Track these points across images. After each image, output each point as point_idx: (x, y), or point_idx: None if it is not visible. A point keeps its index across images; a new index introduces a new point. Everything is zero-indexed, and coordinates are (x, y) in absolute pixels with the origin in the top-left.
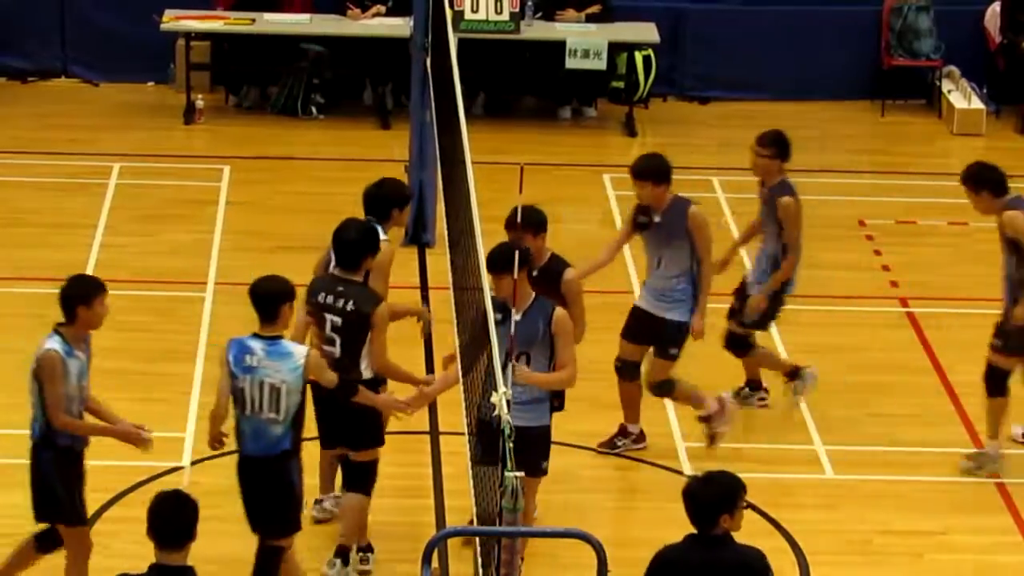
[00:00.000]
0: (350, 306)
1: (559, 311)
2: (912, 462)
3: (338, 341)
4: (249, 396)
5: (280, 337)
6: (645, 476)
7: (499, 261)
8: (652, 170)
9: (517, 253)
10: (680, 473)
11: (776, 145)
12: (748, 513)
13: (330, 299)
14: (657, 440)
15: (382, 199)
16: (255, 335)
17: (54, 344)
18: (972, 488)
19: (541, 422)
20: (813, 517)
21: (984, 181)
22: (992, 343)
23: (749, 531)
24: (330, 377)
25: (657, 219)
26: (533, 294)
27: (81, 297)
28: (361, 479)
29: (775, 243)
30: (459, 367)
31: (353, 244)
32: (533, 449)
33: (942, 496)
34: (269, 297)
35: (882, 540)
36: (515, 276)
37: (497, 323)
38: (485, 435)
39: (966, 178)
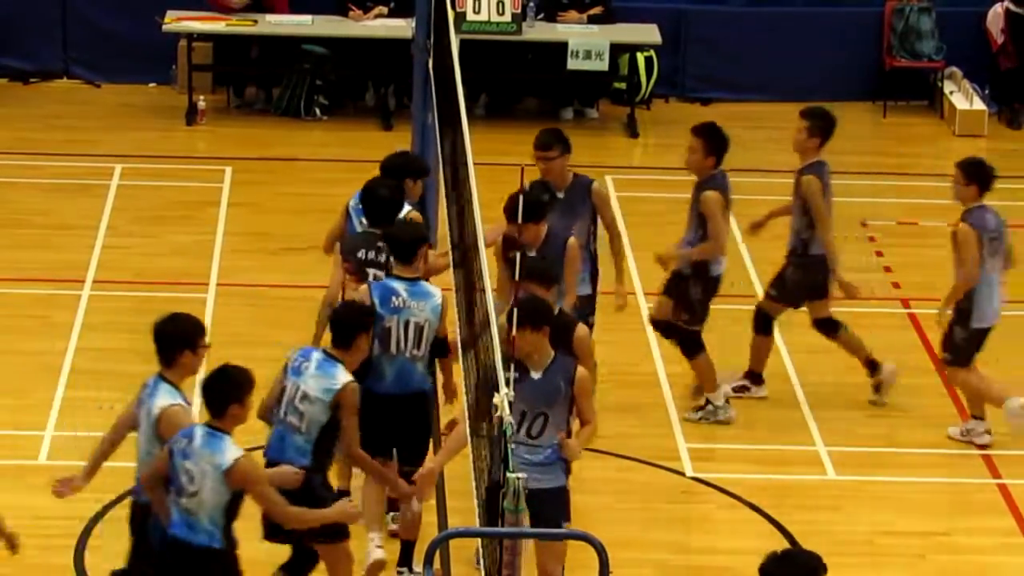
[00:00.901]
0: (393, 259)
1: (581, 371)
2: (914, 463)
3: None
4: (395, 336)
5: (420, 278)
6: (647, 477)
7: (521, 316)
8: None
9: (534, 307)
10: (682, 475)
11: (707, 138)
12: (750, 514)
13: (371, 254)
14: (658, 441)
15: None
16: (397, 276)
17: (169, 398)
18: (975, 489)
19: (559, 482)
20: (815, 518)
21: (979, 176)
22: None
23: (751, 532)
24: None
25: (560, 195)
26: (552, 352)
27: (186, 340)
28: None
29: (694, 233)
30: (466, 428)
31: (385, 201)
32: (553, 509)
33: (944, 497)
34: (410, 242)
35: (884, 541)
36: (536, 332)
37: (514, 381)
38: (494, 502)
39: (965, 166)
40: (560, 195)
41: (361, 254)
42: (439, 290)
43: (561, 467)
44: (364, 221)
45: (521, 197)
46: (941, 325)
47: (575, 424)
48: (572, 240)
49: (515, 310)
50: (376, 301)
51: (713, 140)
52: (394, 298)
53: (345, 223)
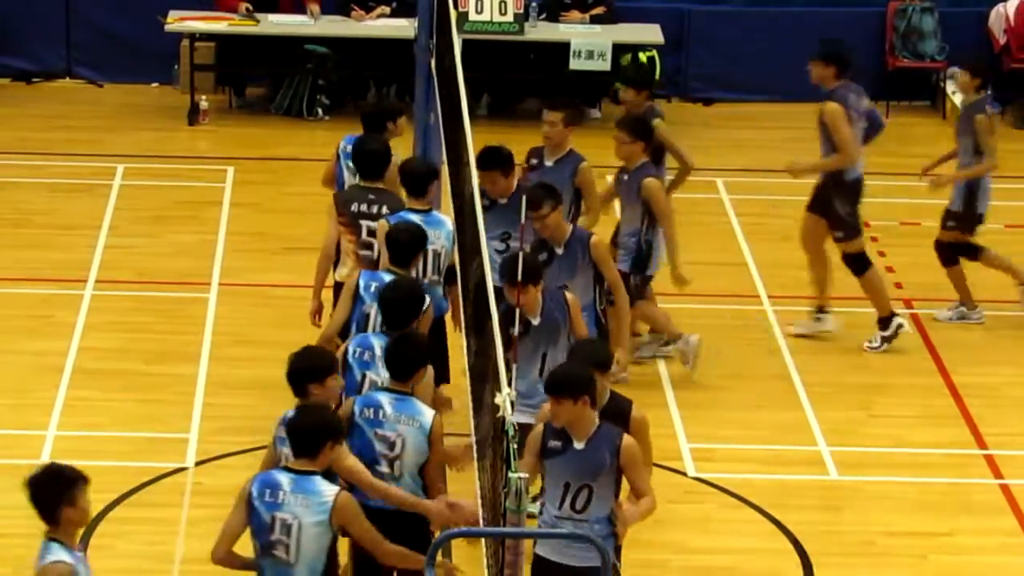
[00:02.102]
0: (384, 210)
1: (627, 440)
2: (916, 463)
3: (375, 244)
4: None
5: (431, 209)
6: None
7: (560, 385)
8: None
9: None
10: (684, 475)
11: (633, 129)
12: (752, 514)
13: (364, 207)
14: (660, 442)
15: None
16: (411, 209)
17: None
18: (977, 489)
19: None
20: (817, 518)
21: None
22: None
23: (753, 532)
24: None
25: (559, 250)
26: (597, 421)
27: (316, 373)
28: None
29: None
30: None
31: (376, 155)
32: None
33: (947, 497)
34: (423, 175)
35: (886, 541)
36: (579, 400)
37: (556, 452)
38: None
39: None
40: (559, 250)
41: (355, 207)
42: (449, 217)
43: (612, 541)
44: (354, 170)
45: (520, 259)
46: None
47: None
48: (570, 296)
49: (550, 378)
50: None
51: (641, 131)
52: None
53: (336, 165)
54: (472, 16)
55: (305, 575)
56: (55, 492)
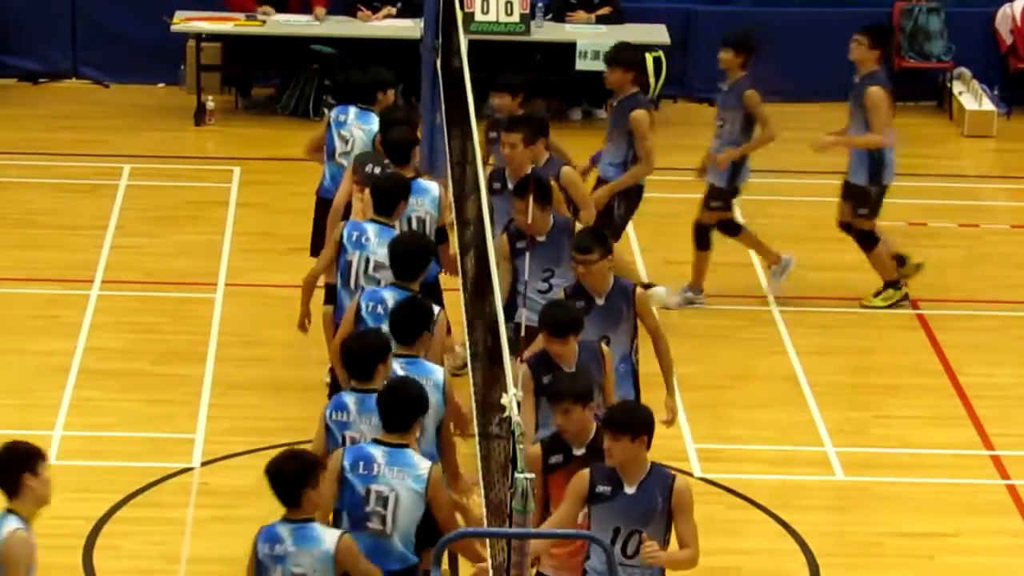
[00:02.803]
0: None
1: (680, 481)
2: (923, 464)
3: None
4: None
5: (416, 176)
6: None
7: (620, 422)
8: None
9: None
10: (690, 475)
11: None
12: (758, 514)
13: (377, 169)
14: (667, 442)
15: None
16: (396, 355)
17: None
18: (984, 490)
19: None
20: (823, 519)
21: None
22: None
23: (759, 533)
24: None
25: (600, 301)
26: (649, 463)
27: (384, 353)
28: None
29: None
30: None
31: (403, 145)
32: None
33: (953, 498)
34: (402, 144)
35: (893, 542)
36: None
37: (605, 497)
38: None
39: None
40: (600, 301)
41: (368, 168)
42: (435, 184)
43: None
44: (345, 139)
45: (554, 312)
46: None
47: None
48: (606, 349)
49: (609, 414)
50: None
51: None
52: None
53: (325, 134)
54: (478, 16)
55: (400, 545)
56: (17, 462)
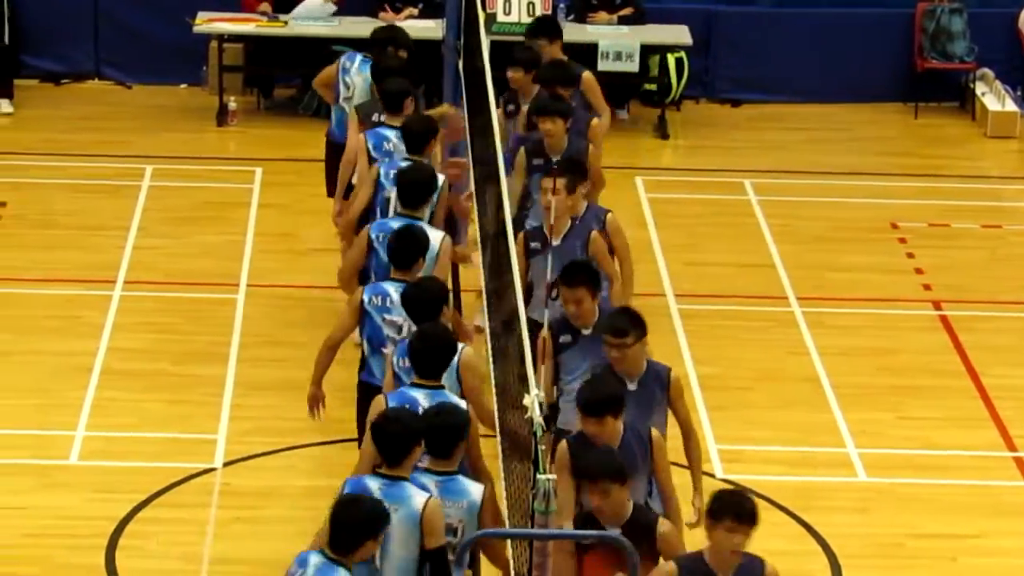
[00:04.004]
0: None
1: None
2: (945, 465)
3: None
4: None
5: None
6: (677, 479)
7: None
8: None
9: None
10: (712, 476)
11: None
12: (780, 516)
13: (383, 117)
14: None
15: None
16: (388, 125)
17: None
18: (1006, 491)
19: None
20: (845, 520)
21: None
22: None
23: (781, 534)
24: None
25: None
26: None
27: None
28: None
29: None
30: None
31: (397, 93)
32: None
33: (976, 499)
34: (398, 91)
35: (915, 543)
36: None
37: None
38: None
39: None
40: (632, 386)
41: (375, 117)
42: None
43: None
44: (348, 85)
45: (593, 388)
46: None
47: None
48: (655, 434)
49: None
50: (369, 147)
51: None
52: (385, 143)
53: (337, 74)
54: (500, 17)
55: None
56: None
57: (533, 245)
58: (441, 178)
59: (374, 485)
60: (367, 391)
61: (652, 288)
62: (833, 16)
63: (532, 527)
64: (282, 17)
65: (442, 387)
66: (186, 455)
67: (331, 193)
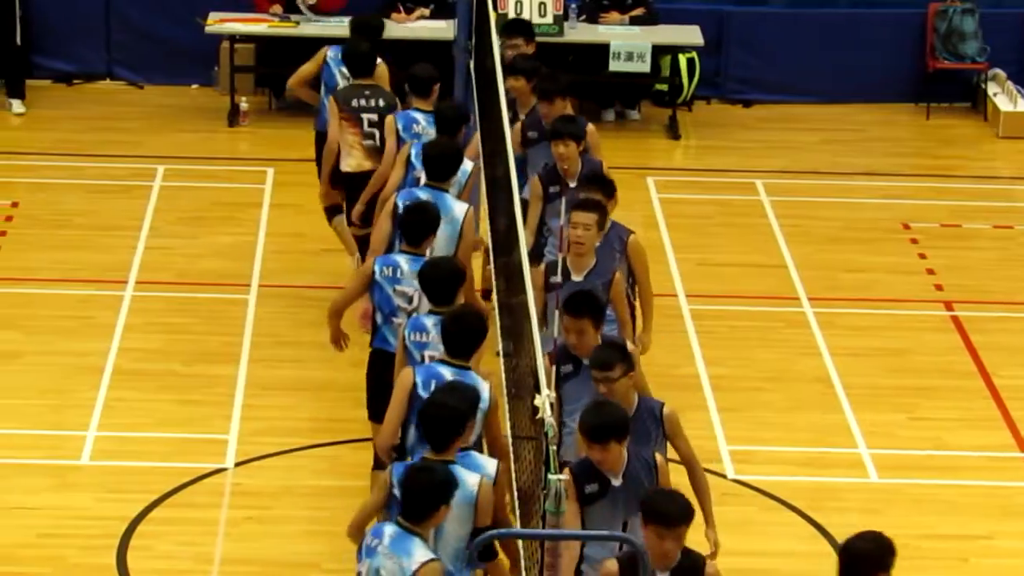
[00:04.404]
0: (380, 102)
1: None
2: (957, 466)
3: (376, 134)
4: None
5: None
6: (688, 480)
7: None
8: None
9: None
10: (723, 477)
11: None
12: (792, 516)
13: (362, 101)
14: (699, 443)
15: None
16: (417, 108)
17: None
18: (1018, 492)
19: None
20: (857, 521)
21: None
22: None
23: (793, 535)
24: None
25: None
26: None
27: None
28: None
29: None
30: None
31: (365, 55)
32: None
33: (988, 500)
34: (427, 79)
35: (927, 544)
36: None
37: None
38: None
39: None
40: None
41: (355, 103)
42: (471, 163)
43: None
44: (346, 74)
45: (595, 413)
46: None
47: None
48: (659, 459)
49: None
50: (399, 128)
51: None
52: (415, 126)
53: (322, 70)
54: (511, 17)
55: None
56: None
57: (552, 280)
58: (469, 163)
59: None
60: (380, 358)
61: (663, 289)
62: (845, 17)
63: (543, 527)
64: (293, 17)
65: (469, 368)
66: (197, 455)
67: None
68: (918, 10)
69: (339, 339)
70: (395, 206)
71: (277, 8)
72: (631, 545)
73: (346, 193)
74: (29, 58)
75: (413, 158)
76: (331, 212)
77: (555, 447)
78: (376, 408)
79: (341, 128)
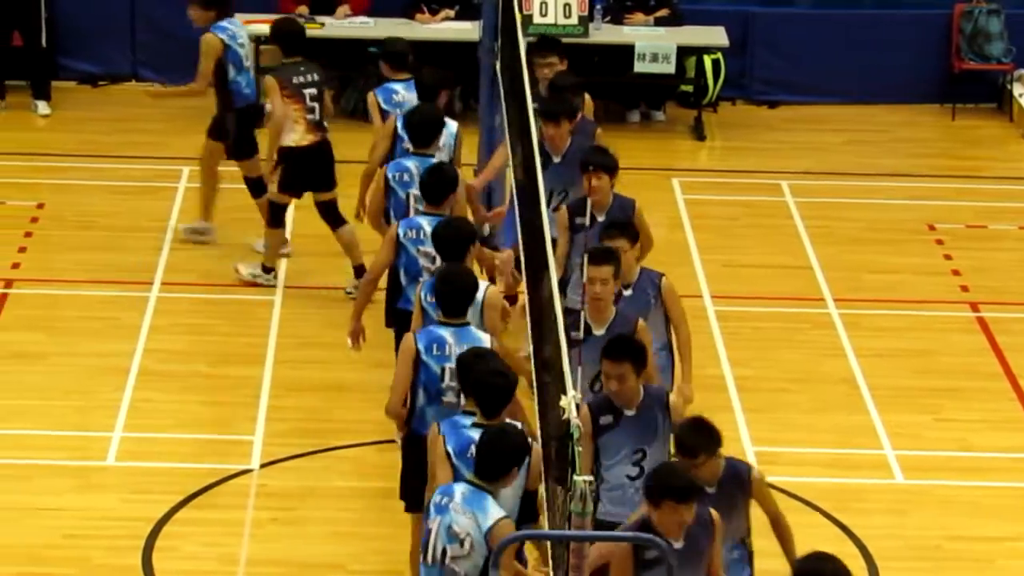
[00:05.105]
0: (316, 76)
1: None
2: (983, 467)
3: (317, 108)
4: None
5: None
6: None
7: None
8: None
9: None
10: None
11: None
12: (817, 517)
13: (302, 78)
14: (726, 444)
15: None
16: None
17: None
18: None
19: None
20: (883, 522)
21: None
22: None
23: (818, 536)
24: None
25: (627, 292)
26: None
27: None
28: None
29: None
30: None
31: (295, 32)
32: None
33: (1014, 502)
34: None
35: (952, 546)
36: None
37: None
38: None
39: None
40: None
41: (295, 80)
42: (454, 123)
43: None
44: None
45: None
46: None
47: None
48: (716, 516)
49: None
50: (380, 101)
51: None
52: (394, 96)
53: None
54: (536, 19)
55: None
56: None
57: (573, 335)
58: (453, 124)
59: (478, 436)
60: (403, 317)
61: (688, 290)
62: (870, 17)
63: (569, 529)
64: (319, 19)
65: (467, 324)
66: (222, 456)
67: (235, 156)
68: (943, 11)
69: (357, 335)
70: (385, 179)
71: (303, 9)
72: (655, 547)
73: (289, 166)
74: (54, 60)
75: (400, 130)
76: (260, 186)
77: (580, 448)
78: None
79: (284, 105)
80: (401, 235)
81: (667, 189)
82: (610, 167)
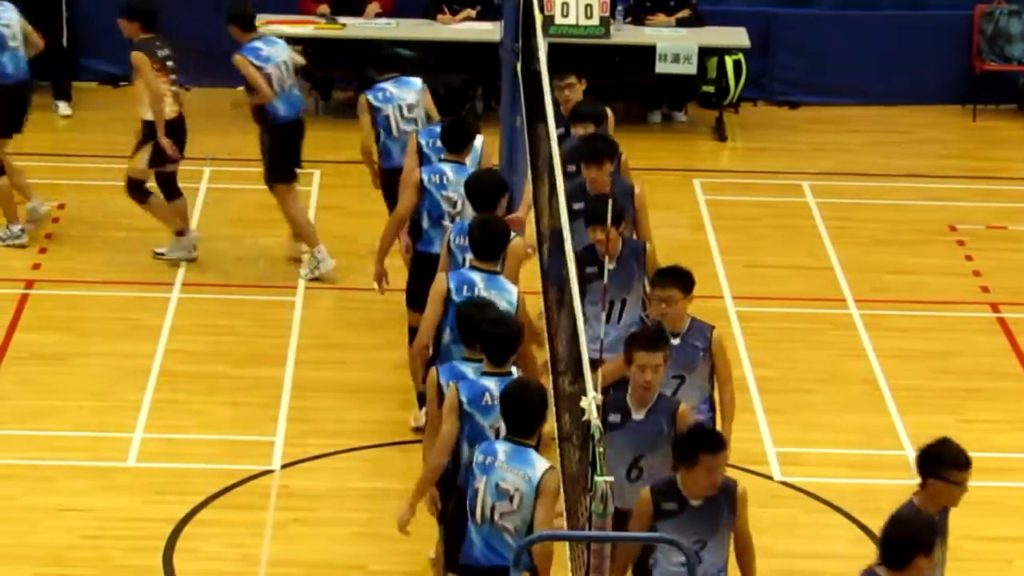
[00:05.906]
0: (171, 49)
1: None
2: (1004, 468)
3: (174, 78)
4: None
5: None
6: None
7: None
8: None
9: None
10: (770, 479)
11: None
12: (839, 519)
13: (164, 51)
14: (747, 445)
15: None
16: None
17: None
18: None
19: None
20: None
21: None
22: None
23: (840, 537)
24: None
25: (675, 342)
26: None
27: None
28: None
29: None
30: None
31: (154, 11)
32: None
33: None
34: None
35: (972, 546)
36: None
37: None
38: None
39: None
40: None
41: (160, 53)
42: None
43: None
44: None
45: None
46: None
47: None
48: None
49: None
50: (370, 99)
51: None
52: (382, 93)
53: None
54: (558, 19)
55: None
56: None
57: (612, 419)
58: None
59: (491, 384)
60: (424, 259)
61: (710, 291)
62: (891, 18)
63: (590, 529)
64: (340, 19)
65: (497, 272)
66: (244, 457)
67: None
68: (964, 12)
69: (381, 277)
70: (418, 144)
71: (324, 9)
72: (679, 547)
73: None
74: (75, 60)
75: (425, 148)
76: (144, 191)
77: (601, 449)
78: (413, 299)
79: (157, 79)
80: (426, 180)
81: (688, 190)
82: (597, 116)
